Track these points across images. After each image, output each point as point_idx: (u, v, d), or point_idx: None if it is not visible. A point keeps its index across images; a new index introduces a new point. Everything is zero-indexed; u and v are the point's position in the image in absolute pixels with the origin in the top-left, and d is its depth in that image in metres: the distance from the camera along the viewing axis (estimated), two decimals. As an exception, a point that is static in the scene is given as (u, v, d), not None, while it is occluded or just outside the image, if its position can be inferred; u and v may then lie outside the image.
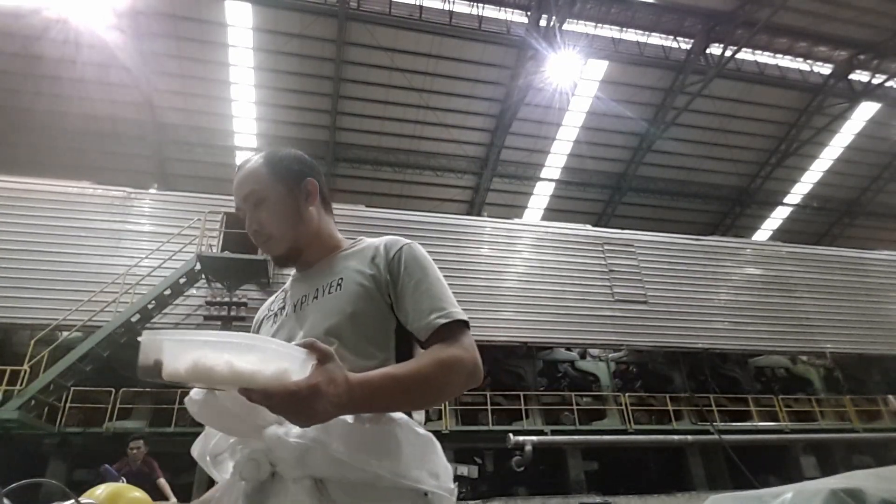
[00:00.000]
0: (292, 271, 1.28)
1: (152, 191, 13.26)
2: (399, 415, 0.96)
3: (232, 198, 1.24)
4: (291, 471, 0.89)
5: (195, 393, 0.89)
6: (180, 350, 0.76)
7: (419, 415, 1.07)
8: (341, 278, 1.12)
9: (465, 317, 1.06)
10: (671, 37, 18.55)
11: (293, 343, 0.82)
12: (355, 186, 20.54)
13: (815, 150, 22.44)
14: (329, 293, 1.12)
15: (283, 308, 1.21)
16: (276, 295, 1.30)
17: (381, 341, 1.07)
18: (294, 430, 0.87)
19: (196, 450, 1.03)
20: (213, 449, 1.00)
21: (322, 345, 0.81)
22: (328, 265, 1.19)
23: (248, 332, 0.99)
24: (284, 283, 1.30)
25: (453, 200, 21.96)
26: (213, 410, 0.88)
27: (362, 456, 0.87)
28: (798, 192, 24.39)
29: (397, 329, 1.09)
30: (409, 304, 1.07)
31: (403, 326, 1.08)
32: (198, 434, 1.11)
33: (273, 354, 0.77)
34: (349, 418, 0.89)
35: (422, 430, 0.98)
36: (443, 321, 1.03)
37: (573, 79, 17.59)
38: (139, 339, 0.78)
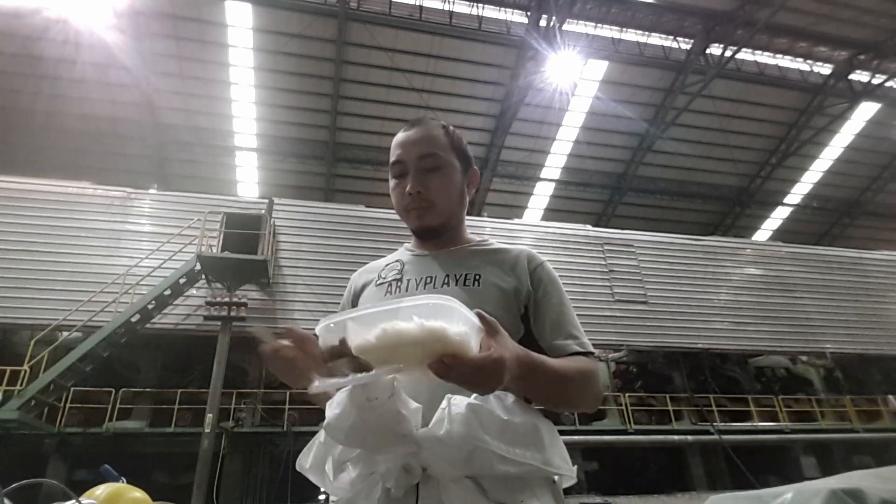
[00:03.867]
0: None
1: (152, 191, 13.27)
2: (524, 403, 0.97)
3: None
4: (450, 471, 0.87)
5: (337, 419, 0.85)
6: (366, 323, 0.79)
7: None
8: (478, 275, 1.11)
9: (594, 350, 1.10)
10: (671, 37, 18.55)
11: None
12: (355, 186, 20.55)
13: (815, 150, 22.43)
14: (465, 285, 1.10)
15: (400, 280, 1.16)
16: (385, 262, 1.24)
17: None
18: (455, 432, 0.85)
19: (309, 459, 0.97)
20: (339, 457, 0.94)
21: (489, 317, 0.82)
22: (459, 255, 1.17)
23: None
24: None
25: (453, 200, 21.94)
26: (362, 432, 0.85)
27: (519, 450, 0.89)
28: (798, 192, 24.39)
29: (521, 340, 1.04)
30: (548, 322, 1.10)
31: (528, 338, 1.09)
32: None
33: (458, 316, 0.78)
34: (502, 414, 0.90)
35: (544, 418, 0.99)
36: (579, 349, 1.07)
37: (573, 79, 17.59)
38: (329, 324, 0.82)
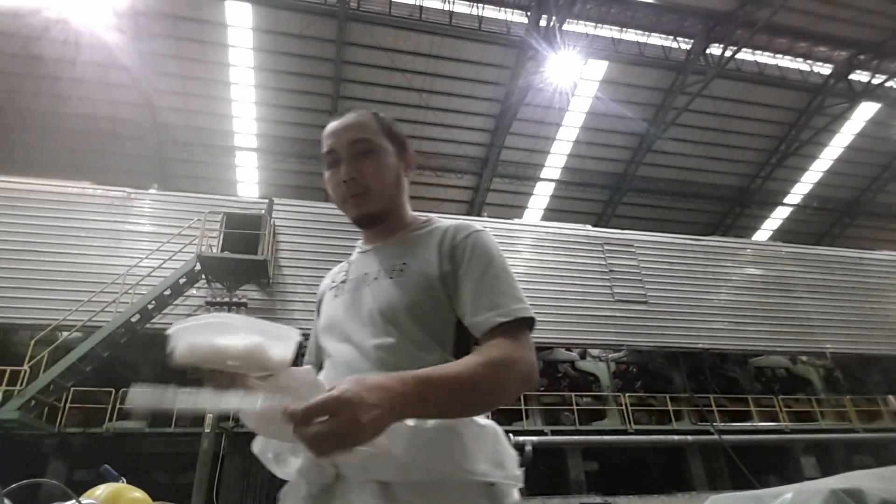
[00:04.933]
0: (354, 250, 1.23)
1: (152, 191, 13.27)
2: None
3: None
4: (356, 474, 0.87)
5: (249, 404, 0.86)
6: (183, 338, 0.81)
7: None
8: (405, 263, 1.07)
9: (528, 314, 0.97)
10: (671, 37, 18.55)
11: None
12: (355, 186, 20.53)
13: (815, 150, 22.44)
14: (390, 278, 1.06)
15: (345, 281, 1.16)
16: (341, 265, 1.25)
17: (441, 336, 1.02)
18: None
19: (257, 446, 0.99)
20: (276, 446, 0.97)
21: (345, 391, 0.72)
22: (397, 244, 1.14)
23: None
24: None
25: (453, 200, 21.95)
26: (272, 422, 0.84)
27: (427, 457, 0.85)
28: (798, 192, 24.39)
29: (459, 324, 1.03)
30: (467, 298, 1.00)
31: (461, 324, 1.02)
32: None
33: (243, 328, 0.82)
34: (410, 420, 0.86)
35: (483, 421, 0.95)
36: (502, 319, 0.95)
37: (573, 79, 17.59)
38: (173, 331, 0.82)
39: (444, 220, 1.17)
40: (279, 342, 0.83)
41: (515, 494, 0.95)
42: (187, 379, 0.87)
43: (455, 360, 0.92)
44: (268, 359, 0.83)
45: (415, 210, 1.24)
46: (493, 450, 0.92)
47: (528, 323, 0.97)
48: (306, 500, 0.92)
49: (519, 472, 0.94)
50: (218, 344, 0.80)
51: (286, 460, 0.94)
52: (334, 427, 0.68)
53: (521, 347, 0.93)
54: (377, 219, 1.15)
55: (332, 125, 1.17)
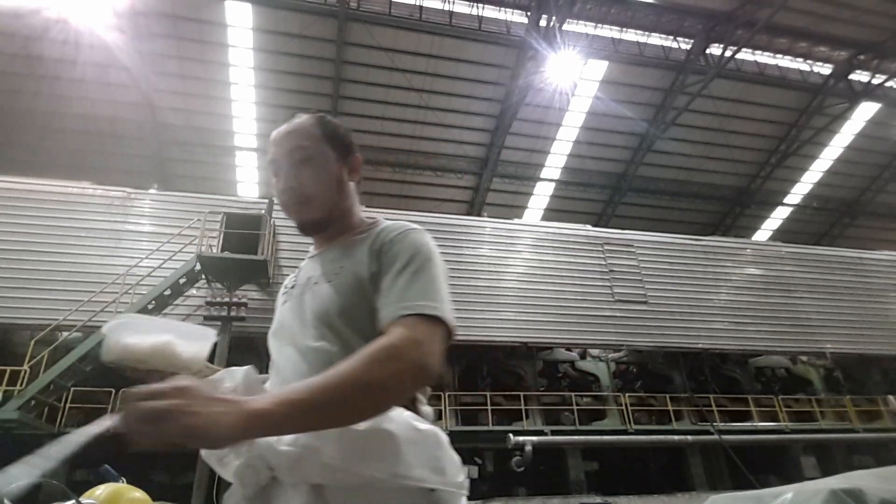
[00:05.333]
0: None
1: (152, 191, 13.26)
2: (396, 411, 0.90)
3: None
4: (288, 476, 0.87)
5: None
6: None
7: (426, 408, 1.02)
8: (342, 266, 1.07)
9: (437, 312, 0.92)
10: (671, 37, 18.55)
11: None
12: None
13: (815, 150, 22.44)
14: (328, 282, 1.06)
15: (294, 286, 1.18)
16: (296, 271, 1.26)
17: (374, 338, 0.98)
18: (286, 438, 0.84)
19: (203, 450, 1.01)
20: (209, 452, 0.97)
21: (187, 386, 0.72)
22: (340, 248, 1.13)
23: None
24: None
25: (453, 200, 21.96)
26: None
27: (356, 461, 0.83)
28: (798, 192, 24.39)
29: None
30: (382, 293, 0.98)
31: None
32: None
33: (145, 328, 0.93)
34: None
35: (424, 425, 0.92)
36: (403, 312, 0.91)
37: (573, 79, 17.58)
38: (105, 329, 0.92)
39: (387, 222, 1.15)
40: (191, 341, 0.89)
41: (461, 502, 0.93)
42: (130, 380, 0.91)
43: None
44: (177, 357, 0.88)
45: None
46: (433, 455, 0.90)
47: (433, 319, 0.92)
48: (242, 502, 0.92)
49: (462, 479, 0.92)
50: (127, 343, 0.87)
51: (228, 463, 0.94)
52: (157, 408, 0.67)
53: (414, 338, 0.88)
54: (319, 226, 1.15)
55: (275, 133, 1.17)
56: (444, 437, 0.95)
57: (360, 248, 1.09)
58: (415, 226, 1.10)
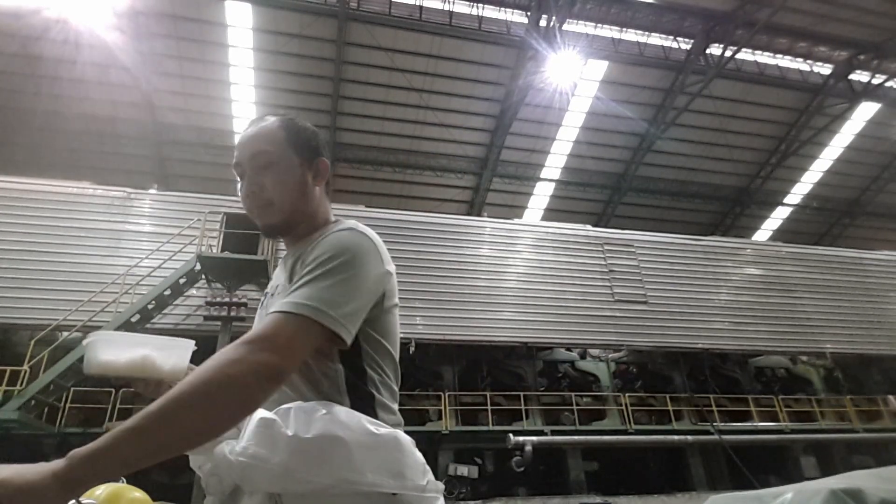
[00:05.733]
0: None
1: (152, 191, 13.26)
2: (349, 416, 0.90)
3: (231, 198, 1.23)
4: (245, 485, 0.87)
5: None
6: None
7: (385, 412, 1.00)
8: (292, 273, 1.08)
9: (315, 315, 0.89)
10: (671, 37, 18.55)
11: None
12: (355, 186, 20.54)
13: (815, 150, 22.44)
14: (287, 287, 1.04)
15: (267, 293, 1.20)
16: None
17: (322, 350, 0.98)
18: (237, 448, 0.85)
19: (192, 460, 1.01)
20: (193, 460, 0.99)
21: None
22: (298, 251, 1.12)
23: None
24: None
25: (453, 200, 21.96)
26: None
27: (305, 468, 0.83)
28: (798, 192, 24.39)
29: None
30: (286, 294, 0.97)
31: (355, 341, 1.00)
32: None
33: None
34: (290, 429, 0.84)
35: (381, 430, 0.91)
36: (279, 309, 0.90)
37: (573, 79, 17.58)
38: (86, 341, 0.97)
39: (340, 224, 1.13)
40: (169, 352, 0.96)
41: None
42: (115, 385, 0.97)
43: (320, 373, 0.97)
44: (157, 369, 0.95)
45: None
46: (389, 459, 0.89)
47: (302, 318, 0.89)
48: None
49: (426, 482, 0.91)
50: (102, 360, 0.93)
51: (204, 472, 0.97)
52: None
53: (271, 334, 0.86)
54: (282, 229, 1.16)
55: (241, 137, 1.17)
56: (406, 440, 0.93)
57: (311, 249, 1.06)
58: (352, 224, 1.07)
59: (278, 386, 0.85)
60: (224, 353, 0.83)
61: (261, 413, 0.88)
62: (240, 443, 0.86)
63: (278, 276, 1.17)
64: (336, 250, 0.99)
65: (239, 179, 1.17)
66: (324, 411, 0.89)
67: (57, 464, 0.70)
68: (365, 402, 1.00)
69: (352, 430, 0.88)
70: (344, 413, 0.91)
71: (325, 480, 0.83)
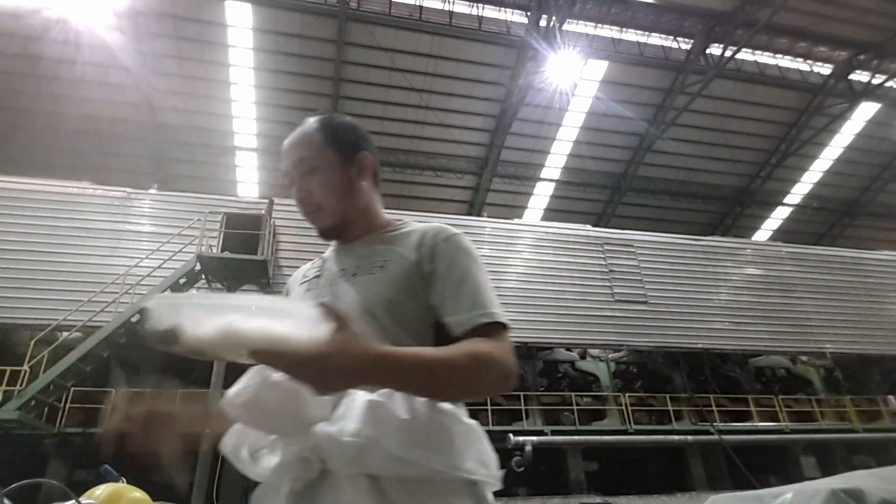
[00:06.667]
0: (329, 245, 1.26)
1: (152, 191, 13.26)
2: (447, 406, 0.93)
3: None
4: (345, 469, 0.86)
5: (236, 395, 0.87)
6: (205, 314, 0.72)
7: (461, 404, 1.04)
8: (385, 260, 1.08)
9: (506, 320, 1.01)
10: (671, 37, 18.55)
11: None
12: (355, 186, 20.52)
13: (815, 150, 22.44)
14: (371, 273, 1.08)
15: (320, 276, 1.18)
16: (312, 262, 1.26)
17: (419, 334, 1.03)
18: (347, 429, 0.84)
19: (229, 444, 0.97)
20: (252, 444, 0.94)
21: (341, 310, 0.77)
22: (372, 243, 1.15)
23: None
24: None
25: (453, 200, 21.96)
26: (258, 411, 0.86)
27: (418, 451, 0.85)
28: (798, 192, 24.39)
29: (436, 325, 1.04)
30: (448, 295, 1.02)
31: (440, 325, 1.04)
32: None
33: (305, 320, 0.73)
34: (403, 413, 0.86)
35: (468, 420, 0.96)
36: (485, 320, 0.98)
37: (573, 79, 17.59)
38: (149, 305, 0.72)
39: (419, 223, 1.18)
40: (306, 324, 0.73)
41: (491, 496, 0.96)
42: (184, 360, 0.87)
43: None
44: (290, 342, 0.72)
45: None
46: (479, 449, 0.93)
47: (506, 328, 1.00)
48: (289, 497, 0.89)
49: (499, 473, 0.95)
50: (277, 334, 0.70)
51: (261, 459, 0.92)
52: (310, 375, 0.73)
53: (502, 348, 0.95)
54: (336, 230, 1.17)
55: (284, 144, 1.19)
56: (483, 433, 0.98)
57: (401, 244, 1.11)
58: (456, 229, 1.13)
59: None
60: (481, 351, 0.92)
61: (366, 395, 0.87)
62: (347, 424, 0.84)
63: (343, 261, 1.15)
64: (474, 255, 1.09)
65: (290, 187, 1.18)
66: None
67: (363, 354, 0.76)
68: None
69: (450, 417, 0.92)
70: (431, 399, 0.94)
71: (434, 465, 0.85)
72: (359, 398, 0.87)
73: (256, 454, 0.93)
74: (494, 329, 0.98)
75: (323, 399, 0.86)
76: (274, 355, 0.72)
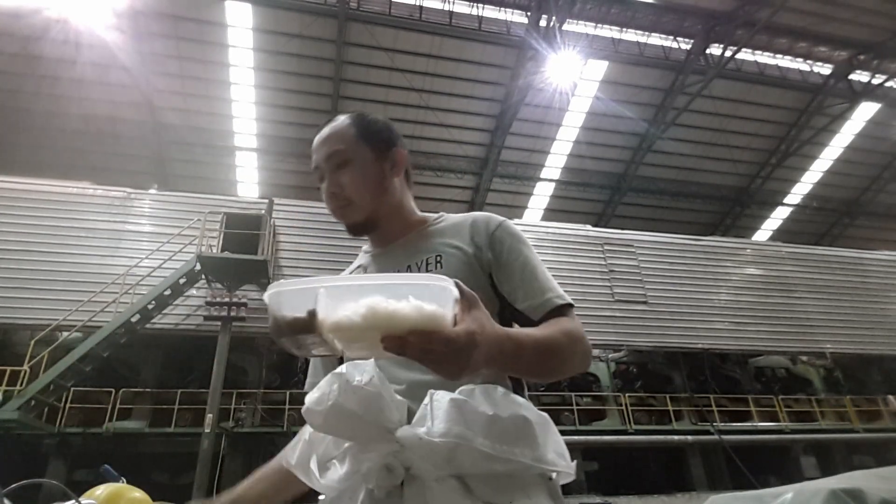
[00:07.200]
0: (362, 249, 1.23)
1: (152, 191, 13.28)
2: (520, 398, 0.92)
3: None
4: (434, 471, 0.83)
5: (316, 402, 0.82)
6: (348, 296, 0.68)
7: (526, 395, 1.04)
8: (440, 255, 1.07)
9: (572, 301, 1.05)
10: (671, 37, 18.55)
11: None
12: (355, 186, 20.53)
13: (815, 150, 22.43)
14: (428, 271, 1.06)
15: None
16: (347, 269, 1.23)
17: None
18: (436, 430, 0.81)
19: (294, 456, 0.92)
20: (322, 454, 0.89)
21: (468, 290, 0.74)
22: (416, 241, 1.13)
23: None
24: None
25: (453, 200, 21.95)
26: (340, 417, 0.81)
27: (506, 447, 0.83)
28: (798, 192, 24.39)
29: (501, 312, 1.04)
30: (517, 282, 1.04)
31: (506, 310, 1.04)
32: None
33: (447, 297, 0.68)
34: (488, 409, 0.84)
35: (541, 412, 0.93)
36: (559, 301, 1.01)
37: (573, 79, 17.58)
38: (270, 293, 0.70)
39: (458, 215, 1.18)
40: (449, 302, 0.69)
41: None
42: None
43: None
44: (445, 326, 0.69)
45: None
46: (556, 440, 0.92)
47: (573, 307, 1.04)
48: (366, 503, 0.86)
49: (574, 462, 0.94)
50: (430, 312, 0.67)
51: (330, 469, 0.88)
52: (450, 358, 0.70)
53: (580, 326, 0.99)
54: (367, 227, 1.15)
55: (316, 140, 1.17)
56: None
57: (451, 237, 1.11)
58: (501, 217, 1.14)
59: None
60: (573, 328, 0.96)
61: (447, 394, 0.85)
62: (434, 424, 0.81)
63: (390, 264, 1.13)
64: (526, 240, 1.10)
65: (319, 182, 1.16)
66: (502, 391, 0.90)
67: (493, 338, 0.76)
68: (518, 384, 1.05)
69: (528, 409, 0.90)
70: (509, 394, 0.92)
71: (522, 459, 0.83)
72: (438, 398, 0.84)
73: (327, 463, 0.89)
74: (568, 309, 1.02)
75: (401, 402, 0.85)
76: (426, 336, 0.67)
